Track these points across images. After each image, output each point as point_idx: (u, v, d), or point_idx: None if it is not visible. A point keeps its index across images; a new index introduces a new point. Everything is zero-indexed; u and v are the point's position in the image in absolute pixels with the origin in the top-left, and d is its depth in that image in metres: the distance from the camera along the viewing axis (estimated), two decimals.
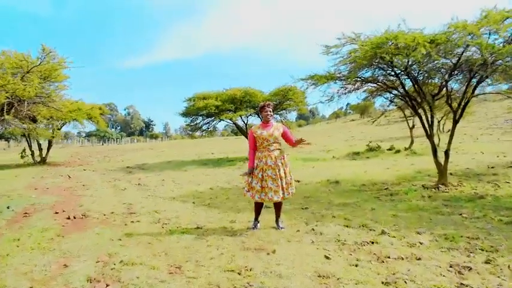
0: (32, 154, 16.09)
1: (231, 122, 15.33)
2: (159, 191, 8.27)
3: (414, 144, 17.02)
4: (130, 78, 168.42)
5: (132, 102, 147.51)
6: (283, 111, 16.23)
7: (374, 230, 4.54)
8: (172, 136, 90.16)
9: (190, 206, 6.39)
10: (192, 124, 15.70)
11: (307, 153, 18.26)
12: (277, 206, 4.81)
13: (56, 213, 5.99)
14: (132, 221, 5.30)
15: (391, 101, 9.23)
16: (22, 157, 16.51)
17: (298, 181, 9.60)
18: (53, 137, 15.17)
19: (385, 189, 7.79)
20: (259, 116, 16.38)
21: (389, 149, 16.30)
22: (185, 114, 15.32)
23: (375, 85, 8.40)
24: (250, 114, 16.41)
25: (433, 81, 8.42)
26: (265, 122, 4.70)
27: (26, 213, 6.02)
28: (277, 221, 4.83)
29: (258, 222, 4.89)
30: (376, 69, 8.28)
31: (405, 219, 5.12)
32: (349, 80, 7.72)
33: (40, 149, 16.37)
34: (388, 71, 8.23)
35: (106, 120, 18.49)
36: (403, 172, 9.97)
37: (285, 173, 4.63)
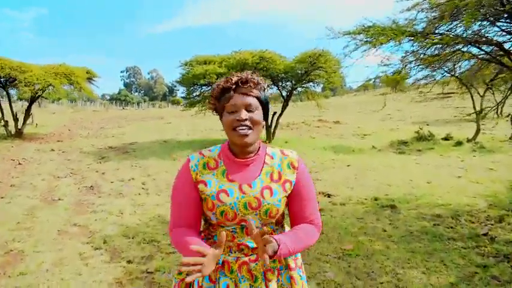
0: (5, 125, 13.33)
1: None
2: (101, 213, 5.15)
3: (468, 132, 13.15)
4: (158, 43, 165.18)
5: (159, 67, 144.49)
6: (310, 83, 12.53)
7: None
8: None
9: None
10: (189, 97, 12.07)
11: (338, 136, 14.68)
12: None
13: None
14: None
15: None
16: None
17: (329, 195, 6.35)
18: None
19: (485, 235, 4.41)
20: (278, 89, 12.71)
21: (446, 139, 12.57)
22: (180, 82, 11.80)
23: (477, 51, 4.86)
24: (268, 85, 12.82)
25: None
26: (240, 145, 1.26)
27: None
28: None
29: None
30: (474, 25, 4.75)
31: None
32: (442, 40, 4.22)
33: (15, 119, 13.56)
34: (502, 26, 4.68)
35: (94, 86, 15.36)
36: (487, 187, 6.52)
37: None
